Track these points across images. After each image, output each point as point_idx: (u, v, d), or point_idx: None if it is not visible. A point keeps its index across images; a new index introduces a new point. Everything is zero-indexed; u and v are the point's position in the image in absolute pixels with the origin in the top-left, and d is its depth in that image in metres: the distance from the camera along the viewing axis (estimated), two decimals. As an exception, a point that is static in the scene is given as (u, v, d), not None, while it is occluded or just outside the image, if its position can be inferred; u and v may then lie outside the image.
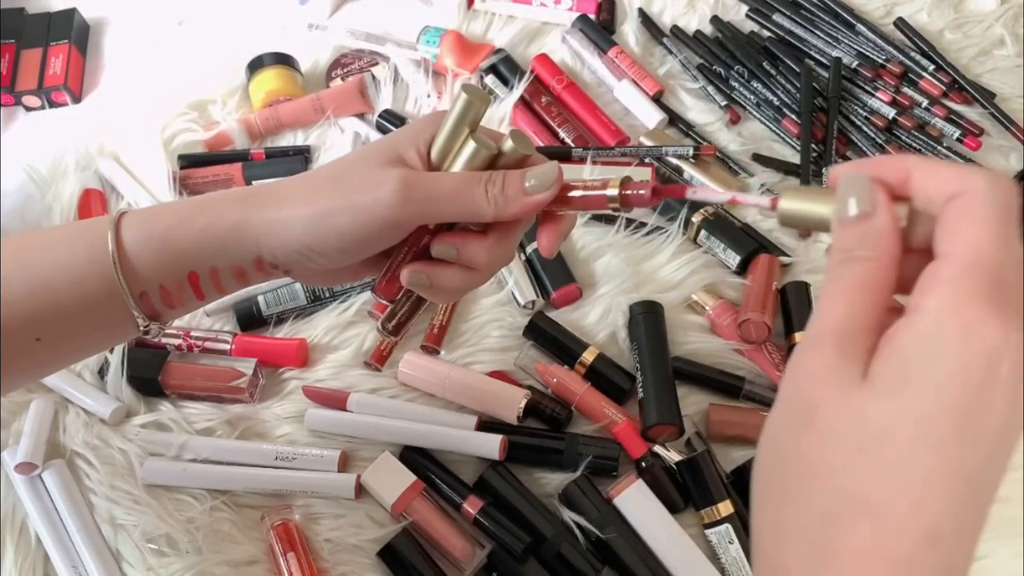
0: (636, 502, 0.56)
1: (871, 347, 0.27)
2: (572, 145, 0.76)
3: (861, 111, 0.76)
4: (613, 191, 0.38)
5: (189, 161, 0.77)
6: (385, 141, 0.41)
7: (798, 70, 0.78)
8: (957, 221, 0.27)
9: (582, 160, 0.74)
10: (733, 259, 0.68)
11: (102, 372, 0.64)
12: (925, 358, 0.25)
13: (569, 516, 0.57)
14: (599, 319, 0.66)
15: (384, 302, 0.44)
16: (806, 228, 0.29)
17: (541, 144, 0.77)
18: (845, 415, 0.26)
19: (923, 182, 0.29)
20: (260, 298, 0.67)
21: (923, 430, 0.25)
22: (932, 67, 0.77)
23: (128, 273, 0.40)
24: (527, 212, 0.39)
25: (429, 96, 0.81)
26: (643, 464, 0.58)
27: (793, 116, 0.76)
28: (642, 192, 0.38)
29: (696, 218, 0.69)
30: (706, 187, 0.33)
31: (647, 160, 0.74)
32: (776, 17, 0.82)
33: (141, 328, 0.42)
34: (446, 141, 0.40)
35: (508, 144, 0.40)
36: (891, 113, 0.75)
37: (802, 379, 0.28)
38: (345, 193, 0.39)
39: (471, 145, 0.39)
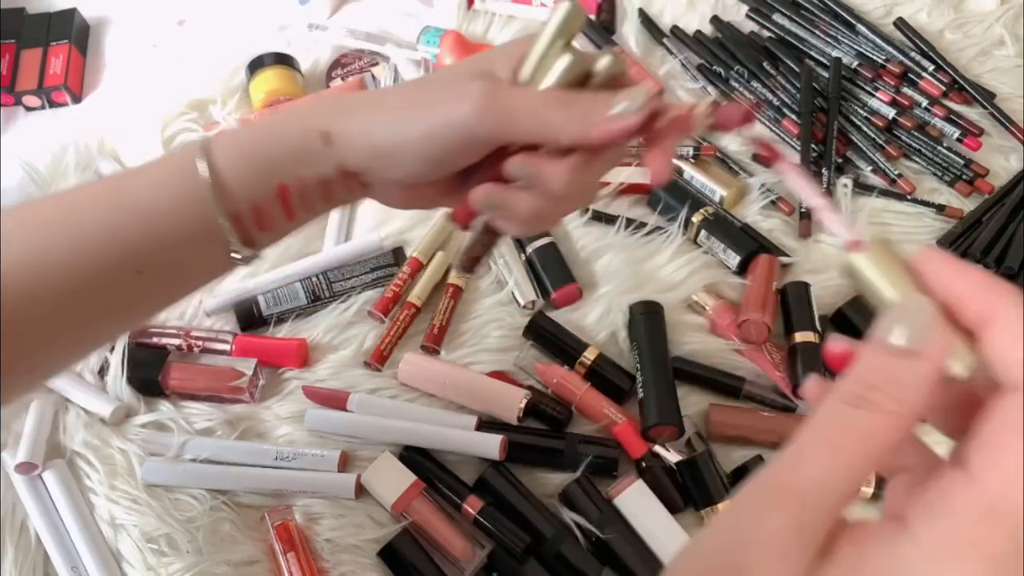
0: (636, 502, 0.56)
1: (837, 521, 0.23)
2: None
3: (861, 111, 0.76)
4: (703, 111, 0.36)
5: (189, 161, 0.77)
6: (477, 57, 0.41)
7: (798, 70, 0.78)
8: (998, 435, 0.22)
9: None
10: (733, 259, 0.68)
11: (102, 372, 0.64)
12: None
13: (569, 516, 0.57)
14: (599, 319, 0.66)
15: (460, 229, 0.43)
16: (859, 288, 0.26)
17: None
18: None
19: (1005, 343, 0.23)
20: (260, 298, 0.67)
21: None
22: (932, 67, 0.77)
23: (220, 192, 0.39)
24: (611, 137, 0.36)
25: (429, 96, 0.81)
26: (643, 464, 0.58)
27: (793, 116, 0.76)
28: (733, 116, 0.36)
29: (696, 218, 0.69)
30: (800, 173, 0.31)
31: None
32: (776, 17, 0.82)
33: (235, 253, 0.40)
34: (539, 54, 0.38)
35: (603, 61, 0.37)
36: (891, 113, 0.75)
37: (738, 538, 0.22)
38: (428, 101, 0.38)
39: (565, 58, 0.37)
